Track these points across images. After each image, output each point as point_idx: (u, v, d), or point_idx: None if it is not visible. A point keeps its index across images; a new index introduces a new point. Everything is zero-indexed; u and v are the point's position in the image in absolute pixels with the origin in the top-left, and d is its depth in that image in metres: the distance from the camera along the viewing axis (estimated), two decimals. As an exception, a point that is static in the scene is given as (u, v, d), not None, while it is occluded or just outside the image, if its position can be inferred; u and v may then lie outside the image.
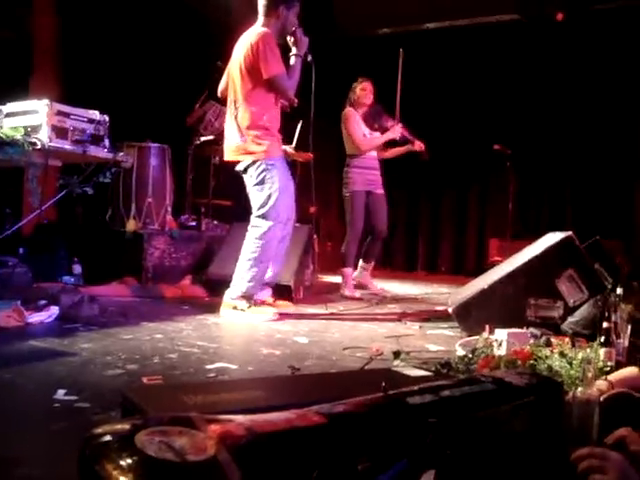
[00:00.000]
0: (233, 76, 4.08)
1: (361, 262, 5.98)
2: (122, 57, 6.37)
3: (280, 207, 4.03)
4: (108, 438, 1.14)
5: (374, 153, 5.86)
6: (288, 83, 4.00)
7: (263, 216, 4.02)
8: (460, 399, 1.48)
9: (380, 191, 5.82)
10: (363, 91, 5.77)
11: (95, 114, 4.17)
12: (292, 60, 4.09)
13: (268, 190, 4.00)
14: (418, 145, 5.90)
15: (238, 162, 4.11)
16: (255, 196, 4.06)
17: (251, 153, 4.02)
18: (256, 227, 4.04)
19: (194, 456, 1.07)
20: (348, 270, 5.68)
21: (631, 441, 1.58)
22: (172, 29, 6.93)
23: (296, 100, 4.20)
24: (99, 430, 1.18)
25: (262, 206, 4.02)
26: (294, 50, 4.10)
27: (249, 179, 4.08)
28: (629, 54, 7.29)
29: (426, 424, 1.34)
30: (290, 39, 4.11)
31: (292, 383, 2.14)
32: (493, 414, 1.47)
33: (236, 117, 4.06)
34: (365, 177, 5.74)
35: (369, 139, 5.75)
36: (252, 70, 3.93)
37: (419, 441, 1.31)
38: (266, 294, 4.38)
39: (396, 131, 5.72)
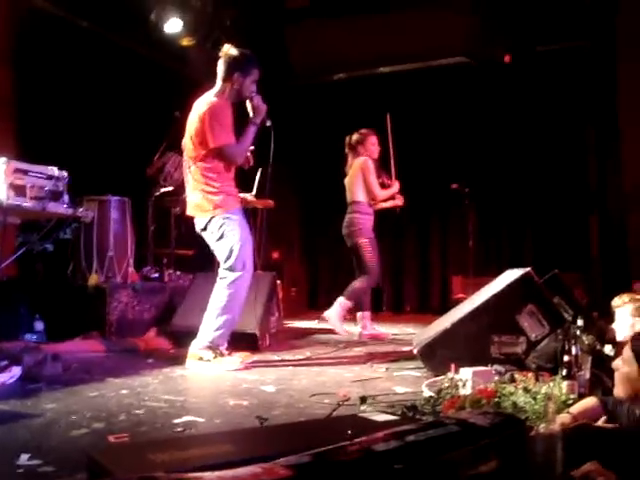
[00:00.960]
0: (186, 140, 4.19)
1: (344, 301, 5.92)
2: (79, 111, 6.37)
3: (245, 257, 4.06)
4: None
5: None
6: (236, 151, 4.07)
7: (230, 268, 4.04)
8: (425, 443, 1.50)
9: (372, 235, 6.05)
10: (373, 146, 6.03)
11: (53, 170, 4.17)
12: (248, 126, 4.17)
13: (230, 243, 4.04)
14: (402, 201, 6.19)
15: (196, 218, 4.17)
16: (219, 251, 4.10)
17: (207, 210, 4.08)
18: (223, 278, 4.05)
19: (162, 518, 1.07)
20: (367, 313, 5.95)
21: (597, 474, 1.62)
22: (129, 81, 6.96)
23: (251, 162, 4.33)
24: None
25: (227, 259, 4.04)
26: (251, 115, 4.17)
27: (210, 235, 4.12)
28: (574, 92, 7.56)
29: (392, 470, 1.35)
30: (248, 105, 4.18)
31: (260, 435, 2.13)
32: (458, 456, 1.50)
33: (190, 177, 4.16)
34: (371, 223, 6.00)
35: (383, 191, 6.02)
36: (201, 138, 4.03)
37: (386, 488, 1.33)
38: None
39: (396, 187, 6.08)
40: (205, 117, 3.99)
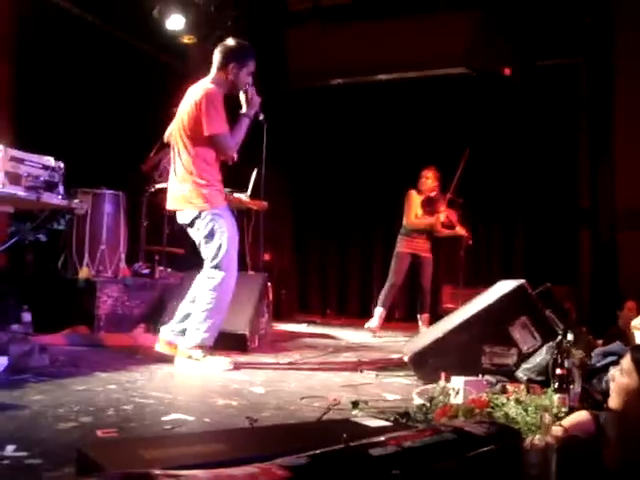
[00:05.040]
0: (178, 126, 4.06)
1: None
2: (77, 103, 6.34)
3: (232, 256, 3.98)
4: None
5: None
6: (229, 142, 3.95)
7: (216, 267, 3.94)
8: (422, 449, 1.49)
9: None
10: (422, 179, 6.97)
11: (50, 160, 4.12)
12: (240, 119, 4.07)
13: (219, 240, 3.93)
14: (464, 232, 7.06)
15: (181, 211, 4.04)
16: (206, 248, 3.98)
17: (195, 204, 3.95)
18: (211, 278, 3.95)
19: (159, 514, 1.06)
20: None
21: None
22: (127, 75, 6.94)
23: (235, 157, 4.14)
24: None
25: (215, 257, 3.94)
26: (244, 108, 4.08)
27: (197, 232, 4.00)
28: (571, 108, 7.60)
29: (389, 476, 1.34)
30: (242, 97, 4.10)
31: (252, 435, 2.10)
32: (455, 464, 1.49)
33: (179, 166, 4.02)
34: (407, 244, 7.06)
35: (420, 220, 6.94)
36: (195, 125, 3.91)
37: (383, 493, 1.31)
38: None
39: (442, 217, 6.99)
40: (202, 103, 3.86)
